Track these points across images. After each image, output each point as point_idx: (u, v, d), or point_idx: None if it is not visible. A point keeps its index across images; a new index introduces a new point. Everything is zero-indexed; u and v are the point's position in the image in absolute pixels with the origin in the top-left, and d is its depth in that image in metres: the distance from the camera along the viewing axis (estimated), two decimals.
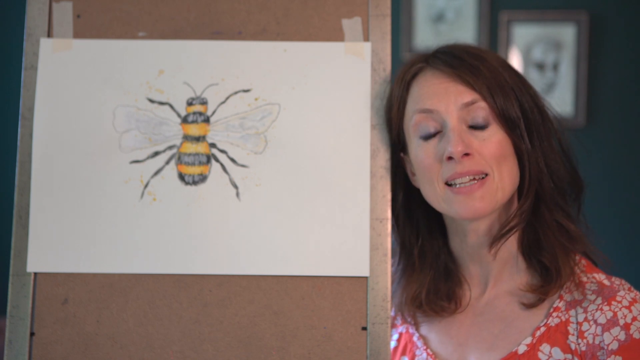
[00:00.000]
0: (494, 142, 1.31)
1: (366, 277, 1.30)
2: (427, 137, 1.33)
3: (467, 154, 1.30)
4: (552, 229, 1.35)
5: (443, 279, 1.42)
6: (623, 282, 1.34)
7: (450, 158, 1.30)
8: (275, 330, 1.29)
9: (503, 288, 1.38)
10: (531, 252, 1.36)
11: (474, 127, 1.32)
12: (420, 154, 1.34)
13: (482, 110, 1.31)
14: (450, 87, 1.32)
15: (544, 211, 1.36)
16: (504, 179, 1.32)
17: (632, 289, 1.33)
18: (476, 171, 1.30)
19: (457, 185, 1.31)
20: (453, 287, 1.42)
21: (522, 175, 1.35)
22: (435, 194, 1.33)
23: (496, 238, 1.34)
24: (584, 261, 1.37)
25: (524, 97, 1.34)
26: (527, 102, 1.34)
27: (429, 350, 1.40)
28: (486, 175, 1.31)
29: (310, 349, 1.29)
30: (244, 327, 1.30)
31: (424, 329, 1.44)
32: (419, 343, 1.42)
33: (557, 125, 1.39)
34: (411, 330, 1.45)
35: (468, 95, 1.32)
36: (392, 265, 1.40)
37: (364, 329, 1.29)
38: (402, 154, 1.40)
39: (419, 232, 1.44)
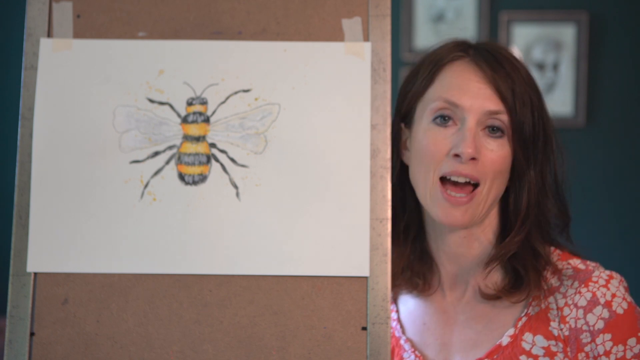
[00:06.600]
0: (499, 154, 1.33)
1: (366, 277, 1.30)
2: (441, 125, 1.34)
3: (473, 159, 1.31)
4: (527, 251, 1.37)
5: (418, 260, 1.45)
6: (597, 264, 1.37)
7: (457, 155, 1.31)
8: (275, 330, 1.29)
9: (482, 287, 1.40)
10: (508, 259, 1.38)
11: (489, 135, 1.33)
12: (427, 137, 1.34)
13: (501, 122, 1.33)
14: (483, 89, 1.33)
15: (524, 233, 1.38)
16: (491, 193, 1.34)
17: (605, 270, 1.35)
18: (473, 177, 1.32)
19: (450, 191, 1.32)
20: (425, 270, 1.45)
21: (518, 194, 1.36)
22: (425, 184, 1.35)
23: (491, 260, 1.37)
24: (558, 251, 1.40)
25: (539, 120, 1.35)
26: (538, 126, 1.35)
27: (417, 352, 1.42)
28: (477, 185, 1.32)
29: (310, 349, 1.29)
30: (244, 327, 1.30)
31: (410, 332, 1.45)
32: (407, 346, 1.44)
33: (558, 153, 1.39)
34: (397, 334, 1.47)
35: (496, 104, 1.32)
36: None
37: (364, 329, 1.29)
38: (402, 125, 1.40)
39: (406, 206, 1.46)
